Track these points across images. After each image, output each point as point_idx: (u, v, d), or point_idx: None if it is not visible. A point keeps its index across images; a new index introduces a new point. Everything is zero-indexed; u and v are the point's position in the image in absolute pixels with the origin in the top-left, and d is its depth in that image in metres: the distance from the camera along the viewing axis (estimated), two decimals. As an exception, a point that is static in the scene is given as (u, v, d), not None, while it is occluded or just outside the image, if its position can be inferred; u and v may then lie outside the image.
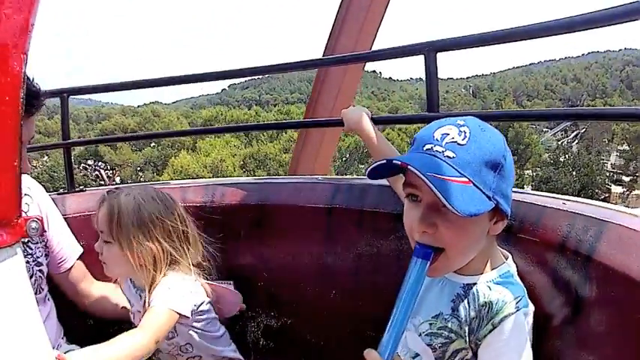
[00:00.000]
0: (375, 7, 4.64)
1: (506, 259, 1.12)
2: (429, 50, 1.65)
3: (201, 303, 1.65)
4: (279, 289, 1.93)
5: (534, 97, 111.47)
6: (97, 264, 1.70)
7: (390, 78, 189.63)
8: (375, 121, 1.67)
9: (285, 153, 37.81)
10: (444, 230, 0.98)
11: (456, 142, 0.96)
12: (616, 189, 49.90)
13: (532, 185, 41.07)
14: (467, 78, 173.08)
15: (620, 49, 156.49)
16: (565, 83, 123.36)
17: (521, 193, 1.45)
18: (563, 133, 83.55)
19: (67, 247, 1.77)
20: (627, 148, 52.82)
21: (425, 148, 0.99)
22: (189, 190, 2.02)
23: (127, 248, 1.51)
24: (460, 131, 0.98)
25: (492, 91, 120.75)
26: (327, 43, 4.89)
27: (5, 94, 0.62)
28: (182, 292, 1.54)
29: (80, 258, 1.82)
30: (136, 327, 1.46)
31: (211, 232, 1.91)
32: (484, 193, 0.95)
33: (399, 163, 0.96)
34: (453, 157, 0.95)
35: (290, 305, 1.93)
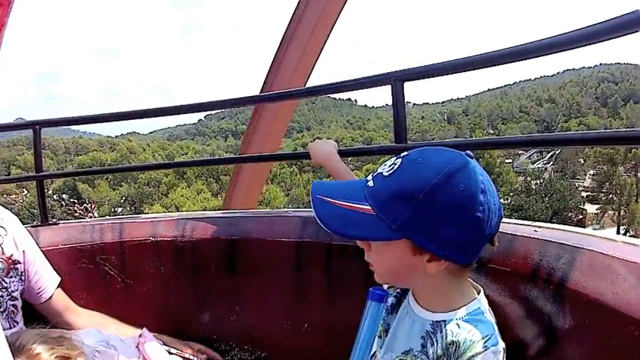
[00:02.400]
0: (313, 43, 5.01)
1: (478, 294, 1.09)
2: (396, 80, 1.62)
3: None
4: (251, 322, 1.93)
5: (509, 121, 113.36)
6: (73, 295, 1.80)
7: (366, 105, 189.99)
8: (342, 153, 1.66)
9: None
10: (372, 252, 1.05)
11: (381, 173, 1.01)
12: (591, 208, 50.75)
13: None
14: (442, 103, 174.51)
15: (595, 65, 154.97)
16: (540, 105, 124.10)
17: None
18: (538, 154, 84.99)
19: (44, 276, 1.75)
20: (601, 168, 53.97)
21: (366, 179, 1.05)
22: (160, 225, 2.02)
23: None
24: (393, 164, 1.00)
25: (467, 115, 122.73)
26: (265, 78, 5.16)
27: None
28: None
29: (59, 287, 1.79)
30: None
31: (182, 266, 1.96)
32: (387, 223, 0.96)
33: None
34: (372, 187, 1.00)
35: (263, 339, 1.93)
